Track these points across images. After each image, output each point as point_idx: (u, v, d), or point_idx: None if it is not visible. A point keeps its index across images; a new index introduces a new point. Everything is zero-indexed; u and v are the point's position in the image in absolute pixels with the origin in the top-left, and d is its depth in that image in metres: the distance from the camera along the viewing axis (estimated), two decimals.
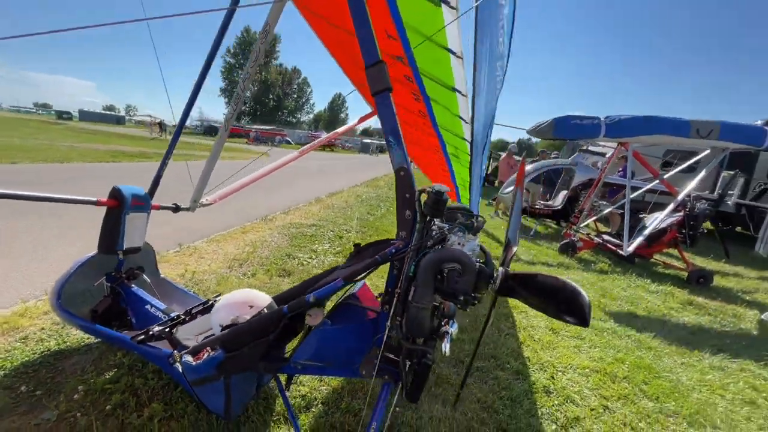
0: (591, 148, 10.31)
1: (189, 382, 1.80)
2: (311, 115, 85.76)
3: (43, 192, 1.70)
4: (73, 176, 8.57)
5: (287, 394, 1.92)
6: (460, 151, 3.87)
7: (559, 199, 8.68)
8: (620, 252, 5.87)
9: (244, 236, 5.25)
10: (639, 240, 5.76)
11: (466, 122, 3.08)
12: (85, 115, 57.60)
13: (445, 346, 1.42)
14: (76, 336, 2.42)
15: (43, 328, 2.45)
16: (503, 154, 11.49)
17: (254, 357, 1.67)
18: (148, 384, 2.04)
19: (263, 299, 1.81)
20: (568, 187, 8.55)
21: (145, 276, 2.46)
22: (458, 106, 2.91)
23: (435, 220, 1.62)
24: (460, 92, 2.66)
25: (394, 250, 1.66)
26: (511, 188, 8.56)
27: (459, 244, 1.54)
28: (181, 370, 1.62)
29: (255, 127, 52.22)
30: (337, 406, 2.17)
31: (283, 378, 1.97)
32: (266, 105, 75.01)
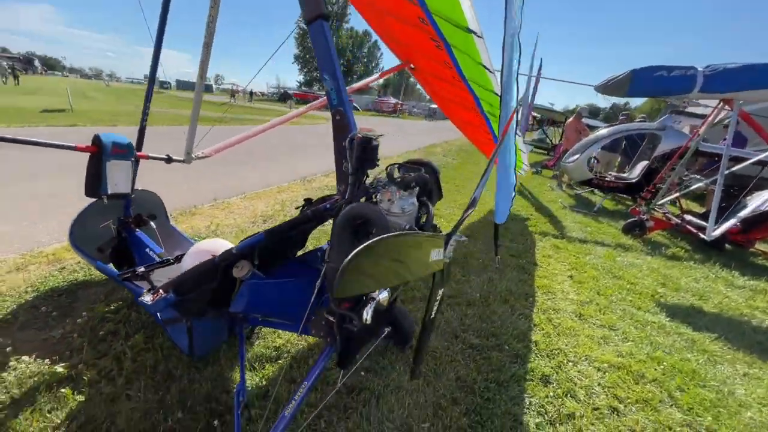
0: (690, 108, 8.46)
1: (162, 320, 1.92)
2: (380, 81, 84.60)
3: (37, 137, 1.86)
4: (152, 137, 9.68)
5: (245, 344, 1.96)
6: (495, 108, 3.44)
7: (636, 171, 7.41)
8: (702, 236, 4.84)
9: (277, 195, 5.46)
10: (729, 223, 4.67)
11: (491, 71, 2.68)
12: (181, 84, 64.66)
13: (366, 312, 1.25)
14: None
15: (78, 262, 2.84)
16: (570, 118, 10.03)
17: (200, 303, 1.70)
18: (140, 318, 2.25)
19: (225, 249, 1.81)
20: (649, 157, 7.22)
21: (152, 223, 2.67)
22: (478, 52, 2.52)
23: (371, 172, 1.40)
24: (475, 33, 2.30)
25: (328, 206, 1.50)
26: (577, 156, 7.50)
27: (389, 200, 1.32)
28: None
29: (323, 93, 53.24)
30: (304, 361, 2.18)
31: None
32: (372, 81, 75.82)
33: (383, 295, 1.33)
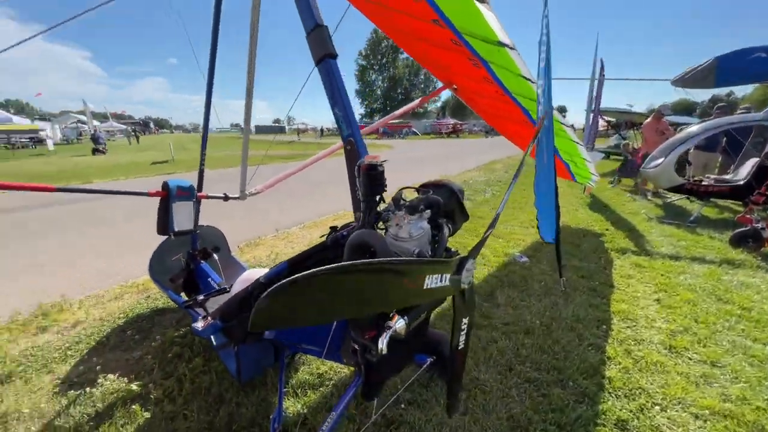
0: None
1: (215, 346, 2.09)
2: (439, 103, 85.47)
3: (121, 187, 2.24)
4: (225, 178, 11.00)
5: (285, 371, 2.02)
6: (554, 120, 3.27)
7: (743, 170, 6.19)
8: None
9: (332, 222, 5.71)
10: None
11: (534, 81, 2.58)
12: (259, 129, 73.19)
13: (381, 342, 1.21)
14: None
15: (158, 291, 3.26)
16: (649, 118, 8.83)
17: (241, 329, 1.81)
18: (202, 342, 2.48)
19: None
20: (759, 153, 6.01)
21: (215, 255, 2.97)
22: (515, 64, 2.47)
23: (382, 198, 1.39)
24: (507, 46, 2.27)
25: (344, 233, 1.52)
26: (661, 160, 6.56)
27: (397, 225, 1.28)
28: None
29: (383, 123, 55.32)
30: (345, 390, 2.16)
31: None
32: (395, 99, 78.77)
33: (400, 324, 1.27)
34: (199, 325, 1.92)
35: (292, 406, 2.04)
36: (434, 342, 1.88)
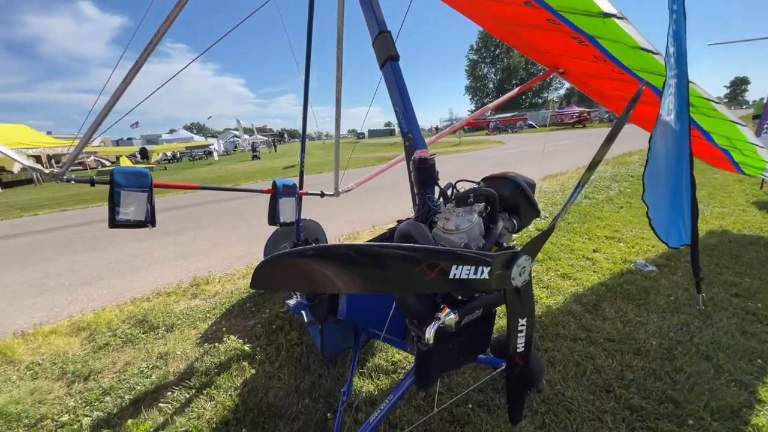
0: None
1: (306, 322, 2.43)
2: (561, 91, 76.31)
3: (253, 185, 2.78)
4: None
5: (359, 352, 2.18)
6: (694, 96, 2.70)
7: None
8: None
9: None
10: None
11: (655, 53, 2.22)
12: (372, 133, 78.26)
13: (428, 332, 1.24)
14: None
15: None
16: None
17: (323, 308, 2.05)
18: (299, 319, 2.87)
19: None
20: None
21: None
22: (628, 35, 2.17)
23: (436, 191, 1.38)
24: (614, 16, 2.03)
25: None
26: None
27: (445, 218, 1.27)
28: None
29: (495, 117, 52.60)
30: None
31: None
32: (509, 91, 73.66)
33: (449, 317, 1.28)
34: (291, 302, 2.25)
35: (366, 386, 2.20)
36: (505, 344, 1.78)
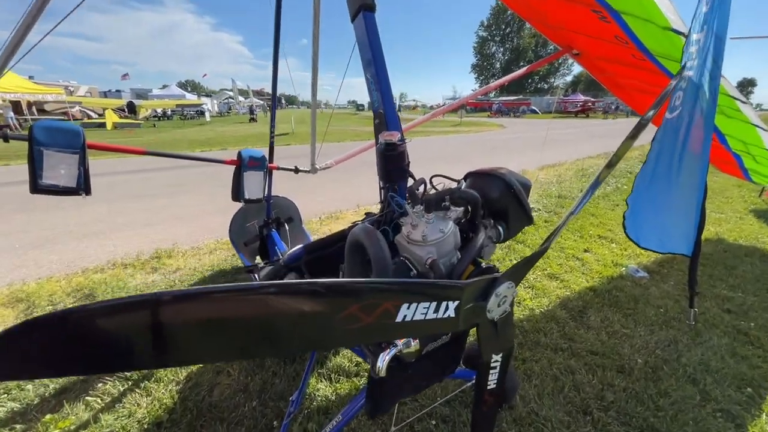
0: None
1: None
2: (568, 77, 74.49)
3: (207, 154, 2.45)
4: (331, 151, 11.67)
5: (314, 355, 1.97)
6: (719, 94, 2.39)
7: None
8: None
9: None
10: None
11: (685, 35, 1.89)
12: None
13: (381, 360, 0.99)
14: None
15: None
16: None
17: None
18: None
19: None
20: None
21: (287, 226, 3.10)
22: (660, 11, 1.83)
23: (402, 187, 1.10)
24: None
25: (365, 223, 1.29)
26: None
27: (412, 225, 0.99)
28: None
29: (498, 99, 51.46)
30: None
31: None
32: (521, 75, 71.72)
33: (408, 346, 1.03)
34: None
35: (322, 390, 1.99)
36: (477, 356, 1.56)
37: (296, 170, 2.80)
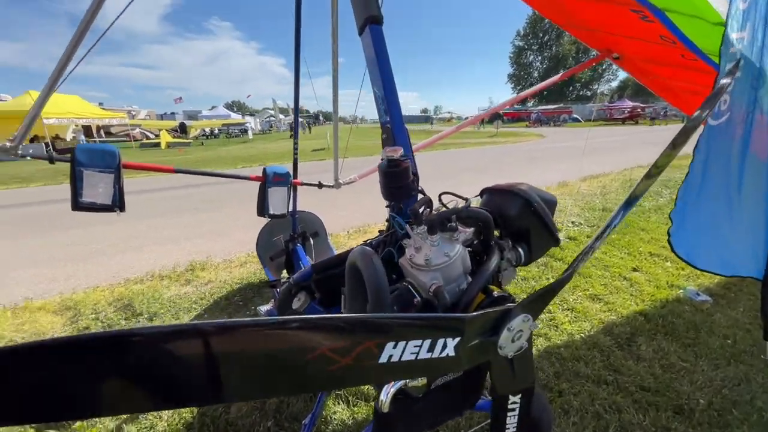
0: None
1: None
2: (614, 83, 70.64)
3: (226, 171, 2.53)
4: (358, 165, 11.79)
5: None
6: None
7: None
8: None
9: None
10: None
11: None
12: (407, 119, 76.73)
13: (384, 394, 0.90)
14: None
15: None
16: None
17: None
18: None
19: None
20: None
21: (312, 240, 3.11)
22: (710, 6, 1.67)
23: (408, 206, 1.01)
24: None
25: (372, 242, 1.22)
26: None
27: (415, 248, 0.90)
28: None
29: (537, 108, 49.86)
30: None
31: None
32: (555, 83, 69.26)
33: (411, 383, 0.93)
34: (262, 309, 1.97)
35: (339, 413, 1.91)
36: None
37: (320, 185, 2.81)
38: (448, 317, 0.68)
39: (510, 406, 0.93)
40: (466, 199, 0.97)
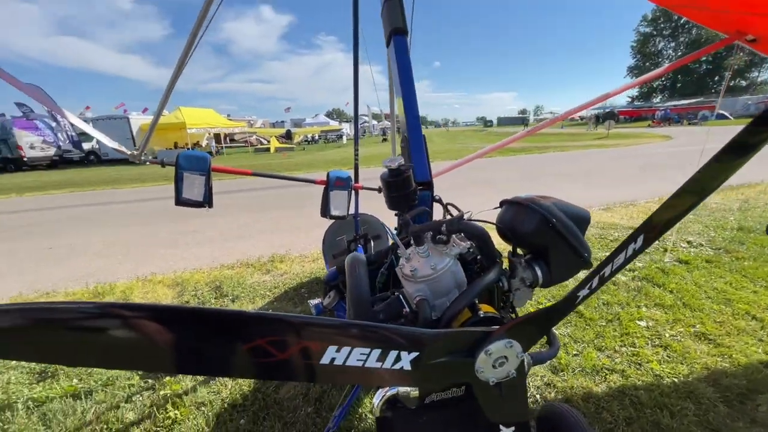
0: None
1: None
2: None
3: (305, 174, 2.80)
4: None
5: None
6: None
7: None
8: None
9: None
10: None
11: None
12: (502, 121, 72.59)
13: (377, 399, 0.94)
14: None
15: None
16: None
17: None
18: None
19: None
20: None
21: (372, 242, 3.22)
22: None
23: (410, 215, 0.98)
24: None
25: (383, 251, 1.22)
26: None
27: (405, 258, 0.88)
28: None
29: (664, 105, 42.20)
30: None
31: None
32: (693, 72, 57.50)
33: (403, 390, 0.93)
34: (311, 302, 2.15)
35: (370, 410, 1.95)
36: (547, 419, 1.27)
37: (379, 190, 2.89)
38: (401, 331, 0.66)
39: None
40: (461, 212, 0.92)
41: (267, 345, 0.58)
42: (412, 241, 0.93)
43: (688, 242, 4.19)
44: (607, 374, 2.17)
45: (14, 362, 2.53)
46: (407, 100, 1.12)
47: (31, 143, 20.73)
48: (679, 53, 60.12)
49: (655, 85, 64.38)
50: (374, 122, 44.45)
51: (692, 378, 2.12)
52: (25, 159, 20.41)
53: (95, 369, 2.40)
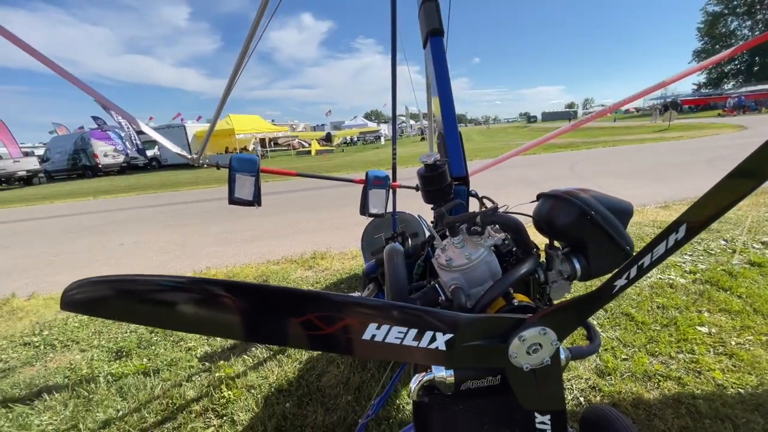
0: None
1: None
2: None
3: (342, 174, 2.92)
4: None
5: (403, 371, 1.99)
6: None
7: None
8: None
9: None
10: None
11: None
12: (547, 116, 69.06)
13: (413, 382, 0.99)
14: None
15: None
16: None
17: None
18: None
19: None
20: None
21: (409, 240, 3.27)
22: None
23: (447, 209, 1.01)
24: None
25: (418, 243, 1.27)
26: None
27: (441, 248, 0.92)
28: None
29: (737, 92, 37.85)
30: None
31: None
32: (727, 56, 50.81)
33: (440, 374, 0.97)
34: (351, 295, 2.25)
35: (408, 400, 2.00)
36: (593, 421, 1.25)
37: (417, 188, 2.93)
38: (438, 313, 0.70)
39: (538, 426, 0.86)
40: (495, 204, 0.94)
41: (315, 319, 0.66)
42: (447, 233, 0.96)
43: (762, 243, 3.77)
44: (660, 380, 2.04)
45: (96, 341, 2.89)
46: (444, 99, 1.15)
47: (105, 152, 23.43)
48: (755, 33, 53.57)
49: (726, 70, 57.84)
50: (411, 122, 44.44)
51: (762, 390, 1.93)
52: (100, 166, 23.10)
53: (161, 350, 2.68)
